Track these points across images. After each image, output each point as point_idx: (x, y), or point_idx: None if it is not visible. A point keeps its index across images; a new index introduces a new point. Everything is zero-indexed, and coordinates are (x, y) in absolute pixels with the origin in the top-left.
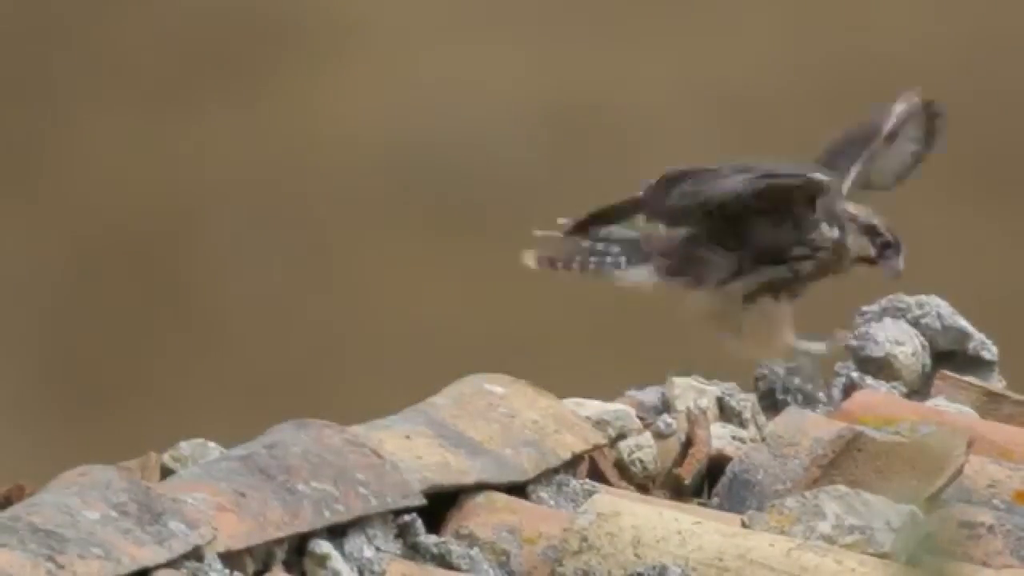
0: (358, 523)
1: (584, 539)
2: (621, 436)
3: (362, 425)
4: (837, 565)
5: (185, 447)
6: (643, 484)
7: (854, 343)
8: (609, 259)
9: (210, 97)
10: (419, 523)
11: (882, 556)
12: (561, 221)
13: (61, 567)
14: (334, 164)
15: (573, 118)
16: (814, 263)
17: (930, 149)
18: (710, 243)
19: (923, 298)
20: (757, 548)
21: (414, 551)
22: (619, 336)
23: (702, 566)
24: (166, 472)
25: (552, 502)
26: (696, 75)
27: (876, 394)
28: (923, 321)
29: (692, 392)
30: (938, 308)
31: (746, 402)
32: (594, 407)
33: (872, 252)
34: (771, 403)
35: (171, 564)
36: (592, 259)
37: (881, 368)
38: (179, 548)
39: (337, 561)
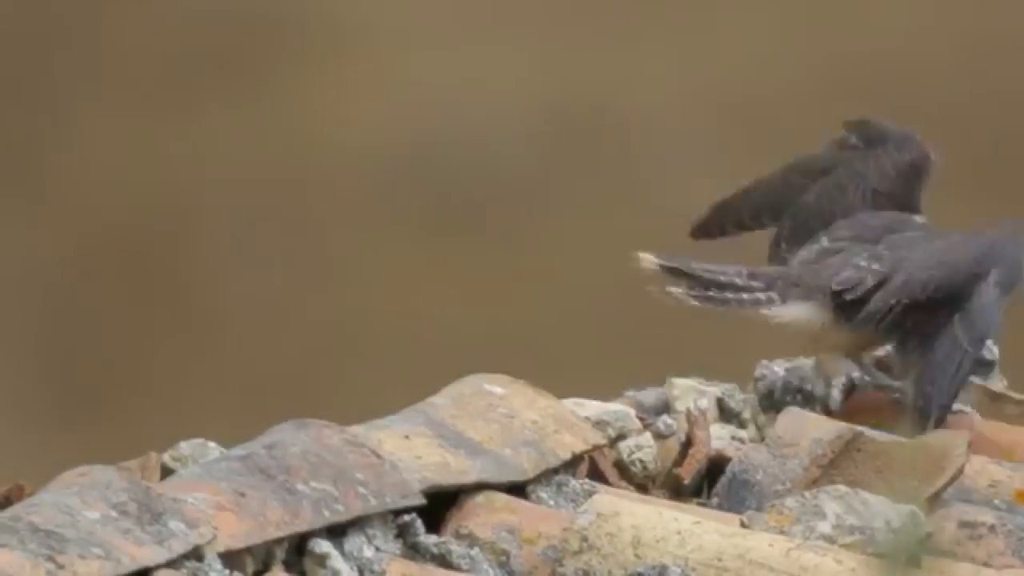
0: (358, 523)
1: (584, 539)
2: (621, 436)
3: (361, 425)
4: (837, 565)
5: (185, 447)
6: (643, 484)
7: None
8: (759, 295)
9: (210, 97)
10: (419, 523)
11: (882, 556)
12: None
13: (61, 567)
14: (334, 164)
15: (574, 119)
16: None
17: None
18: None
19: None
20: (756, 548)
21: (414, 551)
22: (619, 336)
23: (702, 566)
24: (166, 472)
25: (552, 502)
26: (698, 76)
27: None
28: None
29: (692, 393)
30: None
31: (746, 403)
32: (594, 407)
33: None
34: (771, 403)
35: (171, 564)
36: (729, 295)
37: (881, 368)
38: (179, 548)
39: (337, 561)
